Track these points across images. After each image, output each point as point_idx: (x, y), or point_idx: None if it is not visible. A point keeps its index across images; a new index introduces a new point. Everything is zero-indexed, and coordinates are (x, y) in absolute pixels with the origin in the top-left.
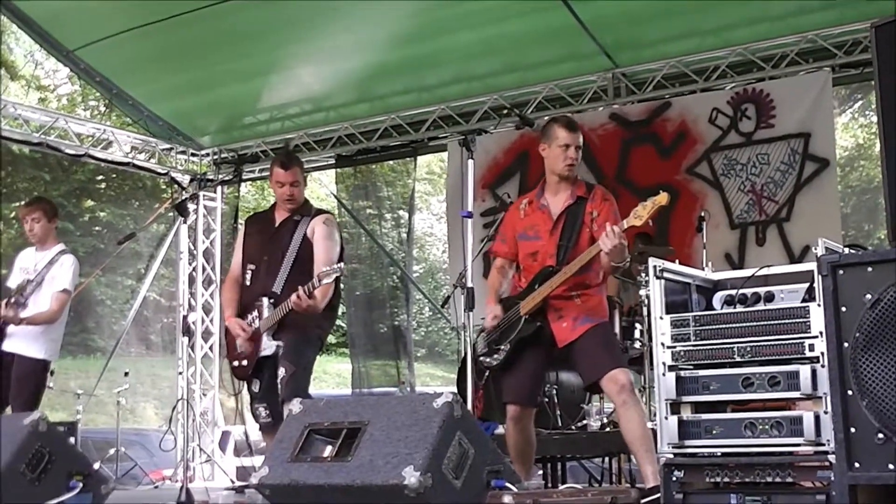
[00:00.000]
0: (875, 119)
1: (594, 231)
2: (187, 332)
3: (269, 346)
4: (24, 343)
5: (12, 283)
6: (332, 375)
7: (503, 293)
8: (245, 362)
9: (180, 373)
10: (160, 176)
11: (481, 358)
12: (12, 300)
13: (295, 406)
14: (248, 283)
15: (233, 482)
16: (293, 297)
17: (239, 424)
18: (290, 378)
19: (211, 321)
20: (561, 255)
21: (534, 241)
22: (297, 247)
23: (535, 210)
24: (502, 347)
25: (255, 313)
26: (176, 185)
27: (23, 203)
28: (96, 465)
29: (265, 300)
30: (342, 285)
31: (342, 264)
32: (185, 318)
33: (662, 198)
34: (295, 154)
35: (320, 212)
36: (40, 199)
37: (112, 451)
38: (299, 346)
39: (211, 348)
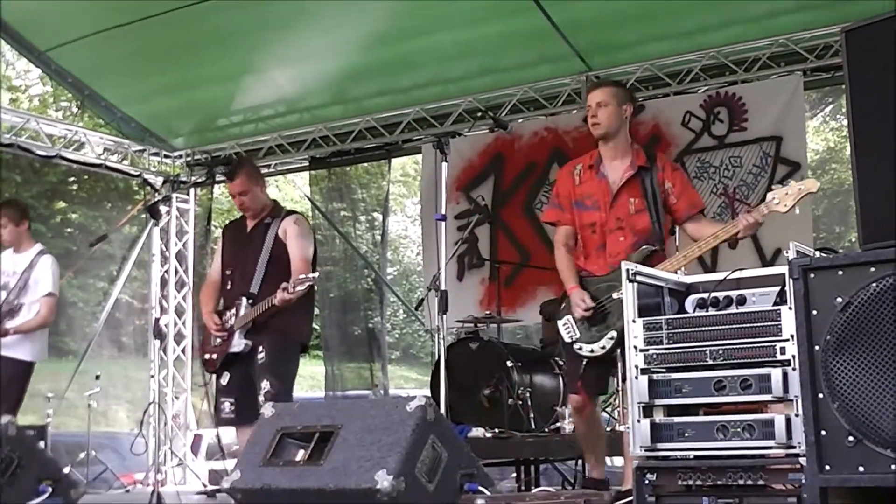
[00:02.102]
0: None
1: (673, 204)
2: (159, 334)
3: (238, 344)
4: (11, 345)
5: None
6: (305, 378)
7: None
8: (215, 356)
9: (152, 376)
10: (133, 178)
11: (581, 345)
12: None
13: (267, 410)
14: (227, 287)
15: (205, 486)
16: (278, 294)
17: (211, 428)
18: (273, 396)
19: (183, 324)
20: (652, 232)
21: (592, 211)
22: (269, 248)
23: (593, 178)
24: (609, 335)
25: (234, 311)
26: (148, 187)
27: None
28: (66, 470)
29: (244, 300)
30: (315, 287)
31: (317, 273)
32: (157, 320)
33: (812, 184)
34: (240, 161)
35: (290, 213)
36: (4, 204)
37: (83, 455)
38: (282, 359)
39: (183, 351)
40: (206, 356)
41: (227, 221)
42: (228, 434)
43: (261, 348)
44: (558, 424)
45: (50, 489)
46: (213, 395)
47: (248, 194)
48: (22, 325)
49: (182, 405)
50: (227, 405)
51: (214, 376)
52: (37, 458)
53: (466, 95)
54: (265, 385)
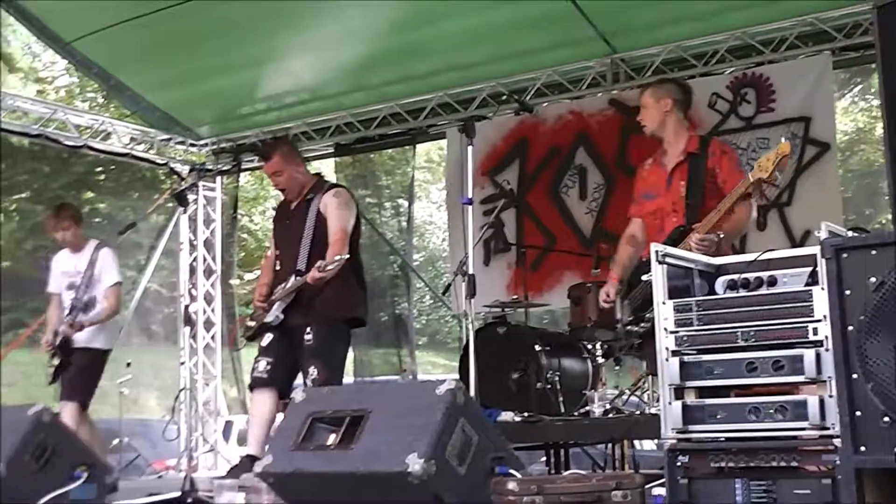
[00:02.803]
0: (875, 102)
1: (721, 187)
2: (189, 322)
3: (271, 315)
4: (87, 335)
5: (54, 287)
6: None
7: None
8: (253, 323)
9: (182, 363)
10: (159, 167)
11: (628, 328)
12: (70, 315)
13: (298, 394)
14: (277, 267)
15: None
16: (310, 274)
17: (242, 414)
18: (320, 384)
19: (212, 311)
20: (689, 214)
21: (654, 199)
22: (313, 224)
23: (656, 168)
24: (647, 315)
25: (283, 285)
26: (175, 176)
27: (48, 213)
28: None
29: (292, 277)
30: (361, 260)
31: (346, 255)
32: (186, 308)
33: (785, 147)
34: (276, 141)
35: (331, 186)
36: (64, 207)
37: (115, 442)
38: (330, 342)
39: (213, 338)
40: (248, 322)
41: (269, 213)
42: None
43: (308, 329)
44: (587, 408)
45: (84, 475)
46: (248, 393)
47: (282, 174)
48: (95, 316)
49: (212, 392)
50: (262, 363)
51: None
52: (71, 444)
53: (490, 80)
54: (312, 371)
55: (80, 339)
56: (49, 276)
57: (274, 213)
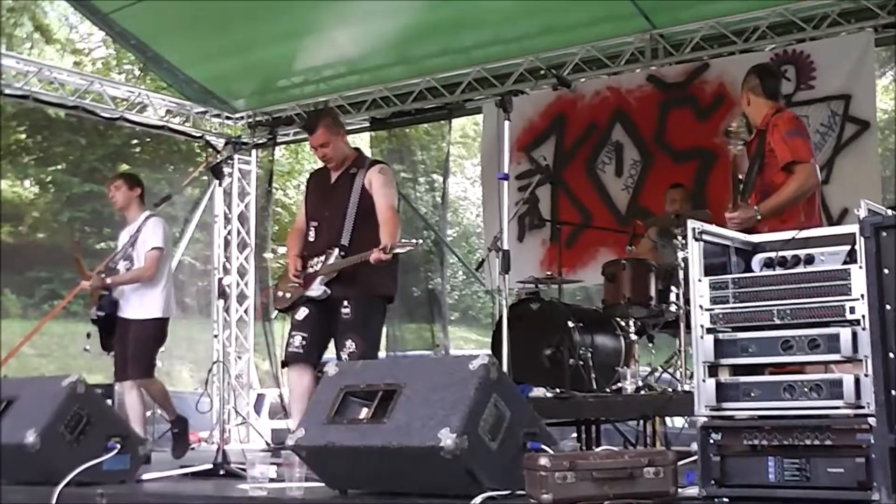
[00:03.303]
0: None
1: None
2: (222, 295)
3: (317, 289)
4: (135, 306)
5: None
6: None
7: None
8: (288, 294)
9: (216, 336)
10: (195, 139)
11: None
12: (100, 270)
13: (331, 368)
14: (311, 238)
15: (268, 444)
16: (375, 253)
17: (274, 387)
18: (357, 357)
19: (245, 285)
20: (744, 190)
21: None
22: (357, 200)
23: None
24: None
25: (322, 258)
26: (210, 149)
27: (113, 175)
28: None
29: (336, 251)
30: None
31: (420, 241)
32: (220, 281)
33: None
34: (319, 113)
35: (374, 162)
36: (124, 173)
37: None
38: (367, 316)
39: (246, 311)
40: (280, 293)
41: (303, 185)
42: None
43: (346, 303)
44: (619, 385)
45: (118, 446)
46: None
47: (329, 146)
48: (128, 273)
49: (245, 365)
50: (298, 338)
51: (276, 312)
52: (105, 415)
53: (528, 54)
54: (349, 344)
55: (129, 311)
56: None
57: (307, 182)
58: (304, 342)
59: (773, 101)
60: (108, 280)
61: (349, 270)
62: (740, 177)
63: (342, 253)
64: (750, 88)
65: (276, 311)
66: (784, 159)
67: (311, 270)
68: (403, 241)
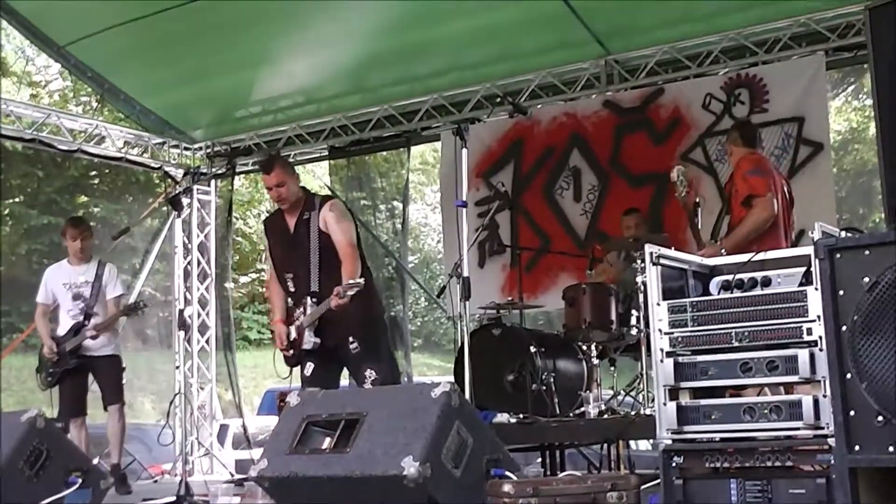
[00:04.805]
0: (869, 102)
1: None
2: (183, 326)
3: (308, 342)
4: (102, 343)
5: (45, 298)
6: None
7: None
8: (291, 352)
9: (177, 367)
10: (153, 170)
11: None
12: (84, 321)
13: (293, 398)
14: (291, 289)
15: (232, 475)
16: (333, 300)
17: (237, 417)
18: (381, 382)
19: (207, 315)
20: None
21: None
22: (317, 244)
23: None
24: None
25: (301, 310)
26: (169, 180)
27: (67, 221)
28: (95, 461)
29: (308, 299)
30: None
31: (362, 280)
32: (181, 312)
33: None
34: (274, 155)
35: (324, 200)
36: (82, 219)
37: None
38: (374, 341)
39: (207, 342)
40: (284, 354)
41: (263, 217)
42: (254, 423)
43: (351, 339)
44: (582, 409)
45: (79, 480)
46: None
47: (284, 185)
48: (105, 322)
49: (207, 395)
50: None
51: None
52: (65, 449)
53: (484, 82)
54: (369, 374)
55: (96, 347)
56: (40, 286)
57: (265, 231)
58: None
59: (748, 148)
60: (99, 331)
61: (334, 311)
62: (698, 220)
63: (315, 300)
64: (731, 141)
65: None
66: (743, 195)
67: (297, 324)
68: (350, 283)
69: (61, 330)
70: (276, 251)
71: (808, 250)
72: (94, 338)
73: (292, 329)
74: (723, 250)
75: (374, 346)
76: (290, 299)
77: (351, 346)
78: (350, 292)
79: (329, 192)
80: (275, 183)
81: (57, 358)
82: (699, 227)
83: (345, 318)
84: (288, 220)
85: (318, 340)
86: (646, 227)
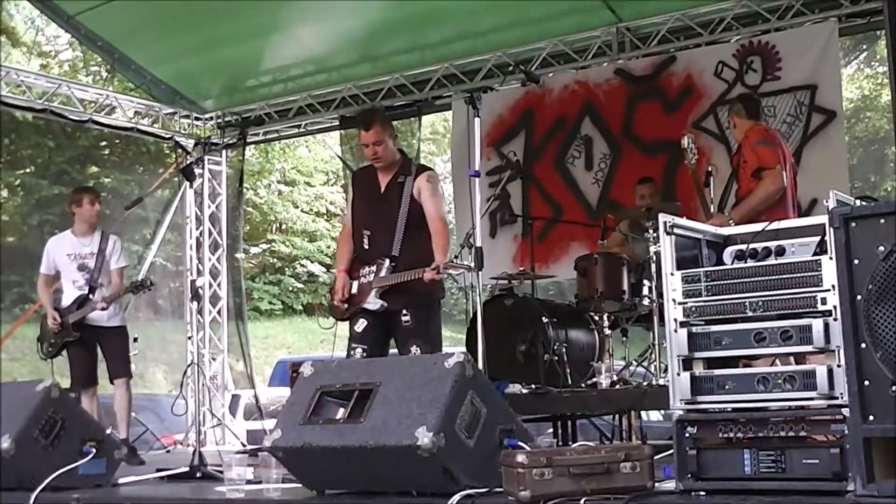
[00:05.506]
0: (881, 69)
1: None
2: (195, 296)
3: (373, 303)
4: (111, 315)
5: (48, 269)
6: (341, 338)
7: None
8: (345, 305)
9: (189, 337)
10: (164, 140)
11: None
12: (89, 294)
13: (306, 369)
14: (366, 246)
15: (244, 445)
16: (428, 273)
17: (248, 388)
18: None
19: (219, 285)
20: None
21: None
22: (406, 210)
23: None
24: None
25: (374, 268)
26: (180, 150)
27: (79, 189)
28: (108, 431)
29: (386, 261)
30: None
31: (471, 266)
32: (192, 282)
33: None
34: (374, 111)
35: (421, 169)
36: (90, 188)
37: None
38: (427, 320)
39: (219, 312)
40: (336, 303)
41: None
42: (265, 394)
43: (405, 311)
44: (595, 379)
45: (94, 450)
46: (257, 365)
47: (382, 144)
48: (110, 296)
49: (219, 366)
50: (358, 350)
51: (346, 323)
52: (80, 419)
53: (496, 50)
54: (414, 349)
55: (103, 319)
56: (44, 258)
57: (352, 184)
58: (363, 354)
59: (753, 120)
60: (107, 302)
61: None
62: (710, 189)
63: (393, 264)
64: (735, 112)
65: (334, 321)
66: (752, 166)
67: (363, 280)
68: (456, 261)
69: (66, 300)
70: (358, 206)
71: (822, 219)
72: (103, 309)
73: (355, 284)
74: (731, 221)
75: (426, 323)
76: (358, 257)
77: (403, 318)
78: (452, 272)
79: (332, 168)
80: (373, 140)
81: (59, 329)
82: (709, 196)
83: (409, 291)
84: (380, 179)
85: (385, 303)
86: (659, 197)
